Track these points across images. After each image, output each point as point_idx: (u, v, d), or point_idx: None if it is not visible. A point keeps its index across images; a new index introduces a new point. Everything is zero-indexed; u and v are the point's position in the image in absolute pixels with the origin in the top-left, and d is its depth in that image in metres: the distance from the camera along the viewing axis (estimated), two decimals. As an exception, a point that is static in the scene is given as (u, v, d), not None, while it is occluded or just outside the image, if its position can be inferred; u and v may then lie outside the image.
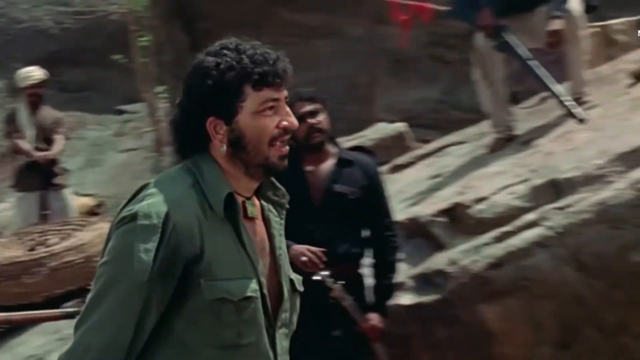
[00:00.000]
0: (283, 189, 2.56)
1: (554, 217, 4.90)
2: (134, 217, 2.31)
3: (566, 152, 5.36)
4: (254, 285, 2.38)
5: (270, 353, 2.42)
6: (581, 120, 5.62)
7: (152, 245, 2.28)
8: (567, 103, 5.77)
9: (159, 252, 2.29)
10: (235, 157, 2.41)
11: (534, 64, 5.92)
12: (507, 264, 4.91)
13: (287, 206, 2.56)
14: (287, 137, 2.42)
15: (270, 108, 2.41)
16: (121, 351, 2.29)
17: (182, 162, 2.47)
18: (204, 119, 2.41)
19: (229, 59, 2.39)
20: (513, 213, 5.08)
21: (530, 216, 5.00)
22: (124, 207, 2.38)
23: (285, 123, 2.42)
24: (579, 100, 5.95)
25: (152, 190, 2.36)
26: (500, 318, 4.94)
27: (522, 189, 5.18)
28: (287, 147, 2.44)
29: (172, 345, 2.34)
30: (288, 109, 2.45)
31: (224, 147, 2.40)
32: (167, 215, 2.30)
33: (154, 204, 2.32)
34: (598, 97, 6.09)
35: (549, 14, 5.97)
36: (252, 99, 2.39)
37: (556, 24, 5.90)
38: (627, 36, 7.72)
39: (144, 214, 2.30)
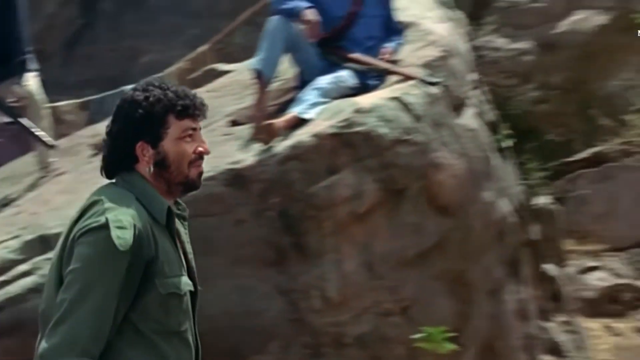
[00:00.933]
0: (184, 203, 3.03)
1: (45, 266, 5.75)
2: (104, 226, 2.72)
3: (50, 211, 6.22)
4: (189, 281, 2.91)
5: (192, 338, 2.93)
6: (52, 146, 6.73)
7: (129, 234, 2.73)
8: (37, 133, 6.80)
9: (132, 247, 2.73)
10: (159, 176, 2.89)
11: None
12: (6, 308, 5.68)
13: (188, 218, 3.04)
14: (201, 160, 2.93)
15: (190, 135, 2.91)
16: (103, 341, 2.71)
17: (110, 180, 2.94)
18: (134, 143, 2.87)
19: (156, 93, 2.88)
20: (8, 265, 5.87)
21: (23, 267, 5.82)
22: (76, 221, 2.81)
23: (200, 149, 2.92)
24: (47, 169, 6.93)
25: (108, 205, 2.78)
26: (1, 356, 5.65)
27: (14, 243, 5.96)
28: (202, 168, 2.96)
29: (129, 334, 2.77)
30: (203, 137, 2.96)
31: (151, 167, 2.88)
32: (132, 223, 2.74)
33: (119, 214, 2.75)
34: (66, 166, 7.05)
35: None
36: (175, 127, 2.89)
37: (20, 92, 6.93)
38: (75, 115, 9.09)
39: (116, 221, 2.73)
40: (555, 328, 7.11)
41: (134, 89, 2.92)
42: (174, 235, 2.93)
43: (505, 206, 6.64)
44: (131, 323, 2.77)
